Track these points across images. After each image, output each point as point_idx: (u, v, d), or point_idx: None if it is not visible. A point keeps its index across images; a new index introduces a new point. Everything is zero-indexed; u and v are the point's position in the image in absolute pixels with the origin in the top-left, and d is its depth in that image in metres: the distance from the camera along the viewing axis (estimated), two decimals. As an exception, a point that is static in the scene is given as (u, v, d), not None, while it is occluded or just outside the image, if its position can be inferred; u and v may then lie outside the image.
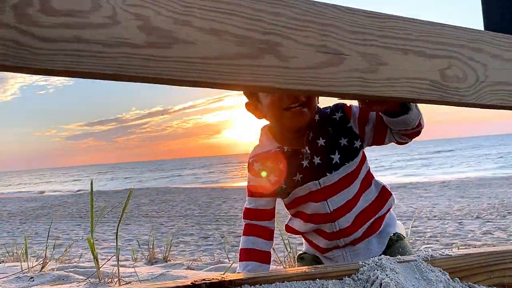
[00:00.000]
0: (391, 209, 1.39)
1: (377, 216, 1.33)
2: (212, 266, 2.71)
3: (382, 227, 1.33)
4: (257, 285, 0.79)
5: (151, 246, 3.52)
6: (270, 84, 0.69)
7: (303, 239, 1.45)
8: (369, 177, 1.34)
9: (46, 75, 0.58)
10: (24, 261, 2.56)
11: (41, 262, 2.39)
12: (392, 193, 1.38)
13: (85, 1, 0.58)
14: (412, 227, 8.67)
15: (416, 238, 7.21)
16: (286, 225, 1.44)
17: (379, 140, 1.26)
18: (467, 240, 6.74)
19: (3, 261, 3.06)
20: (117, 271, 1.87)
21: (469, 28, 0.88)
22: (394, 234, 1.35)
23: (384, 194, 1.36)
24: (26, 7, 0.55)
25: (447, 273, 0.83)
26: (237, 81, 0.67)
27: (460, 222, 8.90)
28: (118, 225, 1.73)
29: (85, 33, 0.58)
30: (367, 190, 1.33)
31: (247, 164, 1.38)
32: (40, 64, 0.56)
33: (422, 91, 0.81)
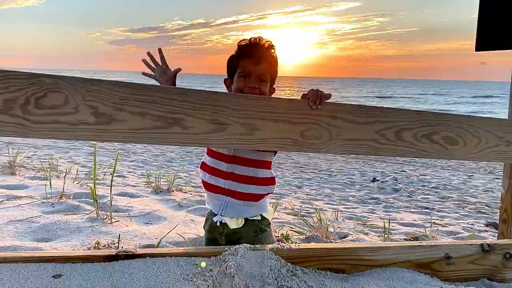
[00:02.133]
0: (269, 195, 1.78)
1: (261, 189, 1.71)
2: (198, 206, 3.25)
3: (258, 202, 1.71)
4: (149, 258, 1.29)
5: (158, 177, 4.13)
6: (174, 144, 1.13)
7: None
8: (270, 164, 1.74)
9: (38, 139, 1.05)
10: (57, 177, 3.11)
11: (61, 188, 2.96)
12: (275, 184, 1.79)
13: (60, 99, 1.03)
14: (420, 174, 9.09)
15: (419, 187, 7.67)
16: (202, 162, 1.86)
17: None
18: (465, 196, 7.14)
19: (44, 178, 3.68)
20: (117, 205, 2.42)
21: (330, 103, 1.27)
22: (261, 220, 1.73)
23: (272, 180, 1.75)
24: (27, 105, 1.01)
25: (282, 260, 1.31)
26: (152, 143, 1.12)
27: (471, 176, 9.20)
28: (113, 176, 2.24)
29: (59, 117, 1.03)
30: (265, 169, 1.71)
31: None
32: (35, 135, 1.02)
33: (285, 145, 1.24)
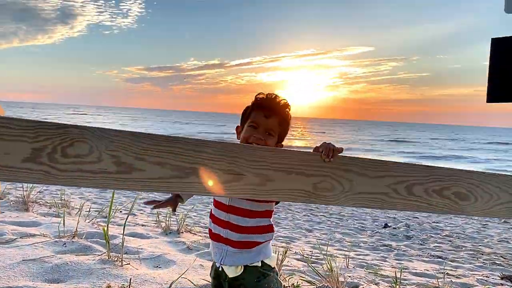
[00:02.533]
0: (270, 241, 1.78)
1: (258, 237, 1.72)
2: (207, 249, 3.24)
3: (256, 248, 1.71)
4: None
5: (168, 218, 4.14)
6: (191, 192, 1.17)
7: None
8: (269, 213, 1.76)
9: (62, 186, 1.09)
10: (69, 214, 3.19)
11: (75, 227, 3.01)
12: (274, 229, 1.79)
13: (84, 149, 1.08)
14: (433, 222, 8.94)
15: (432, 235, 7.53)
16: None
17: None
18: (479, 246, 6.98)
19: (56, 215, 3.73)
20: (128, 246, 2.44)
21: (343, 156, 1.31)
22: (262, 266, 1.72)
23: (269, 227, 1.76)
24: (53, 154, 1.06)
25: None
26: (169, 191, 1.15)
27: (485, 225, 9.01)
28: (127, 218, 2.27)
29: (83, 166, 1.08)
30: (261, 218, 1.73)
31: None
32: (58, 182, 1.07)
33: (298, 197, 1.27)
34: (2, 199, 4.57)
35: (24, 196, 4.34)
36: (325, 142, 1.35)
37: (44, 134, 1.05)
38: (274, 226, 1.80)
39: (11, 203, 4.36)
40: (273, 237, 1.80)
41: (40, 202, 4.81)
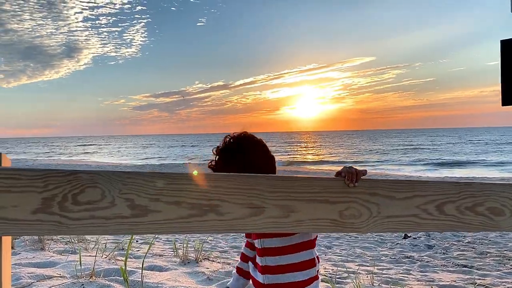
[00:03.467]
0: (316, 281, 1.63)
1: (299, 275, 1.59)
2: (228, 278, 3.14)
3: None
4: None
5: (185, 246, 4.06)
6: (209, 232, 1.11)
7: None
8: (307, 244, 1.62)
9: (73, 235, 1.03)
10: (86, 249, 3.12)
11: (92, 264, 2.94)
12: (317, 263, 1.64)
13: (96, 195, 1.03)
14: (453, 229, 8.72)
15: (454, 243, 7.33)
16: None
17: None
18: (504, 251, 6.77)
19: (72, 251, 3.67)
20: (147, 282, 2.37)
21: (367, 179, 1.24)
22: None
23: (312, 261, 1.62)
24: (64, 202, 1.01)
25: None
26: (187, 232, 1.09)
27: (507, 228, 8.76)
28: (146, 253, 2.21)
29: (96, 213, 1.03)
30: (302, 251, 1.60)
31: None
32: (71, 232, 1.01)
33: (323, 227, 1.19)
34: (18, 238, 4.53)
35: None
36: (345, 166, 1.29)
37: (53, 183, 1.00)
38: (317, 258, 1.65)
39: (27, 242, 4.32)
40: (318, 274, 1.66)
41: (56, 239, 4.76)
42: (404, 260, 6.11)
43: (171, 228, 1.08)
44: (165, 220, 1.07)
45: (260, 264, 1.64)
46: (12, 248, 4.13)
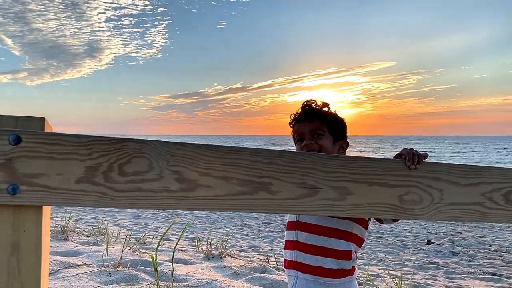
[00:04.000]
0: (351, 276, 1.51)
1: (331, 263, 1.47)
2: (255, 274, 3.06)
3: (331, 281, 1.46)
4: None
5: (209, 242, 3.98)
6: (260, 211, 1.02)
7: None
8: (348, 235, 1.51)
9: (117, 208, 0.96)
10: (110, 244, 3.08)
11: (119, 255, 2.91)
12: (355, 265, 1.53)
13: (144, 165, 0.95)
14: (478, 236, 8.47)
15: (479, 250, 7.10)
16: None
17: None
18: (534, 260, 6.53)
19: (95, 243, 3.65)
20: (175, 273, 2.30)
21: (429, 162, 1.14)
22: None
23: (347, 253, 1.50)
24: (110, 172, 0.93)
25: None
26: (236, 210, 1.01)
27: (535, 237, 8.50)
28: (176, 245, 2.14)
29: (142, 185, 0.95)
30: (339, 239, 1.49)
31: None
32: (115, 205, 0.94)
33: (382, 212, 1.10)
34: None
35: (62, 226, 4.28)
36: (405, 148, 1.19)
37: (98, 151, 0.93)
38: (355, 254, 1.54)
39: (50, 232, 4.31)
40: (355, 271, 1.54)
41: (78, 231, 4.75)
42: (428, 265, 5.94)
43: (220, 205, 1.00)
44: (215, 196, 0.99)
45: (290, 240, 1.56)
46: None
